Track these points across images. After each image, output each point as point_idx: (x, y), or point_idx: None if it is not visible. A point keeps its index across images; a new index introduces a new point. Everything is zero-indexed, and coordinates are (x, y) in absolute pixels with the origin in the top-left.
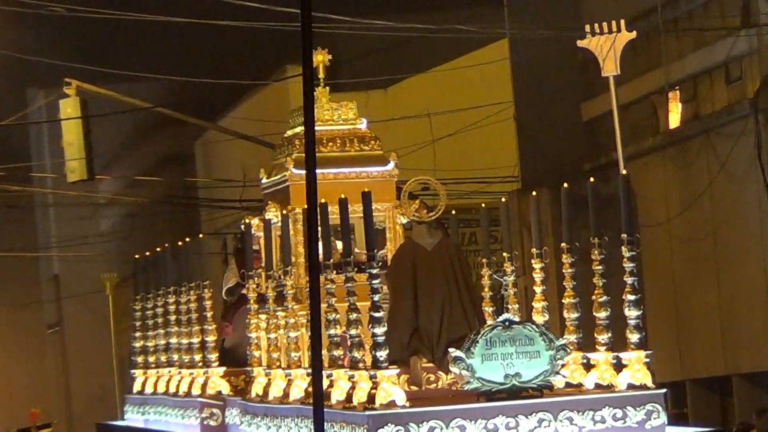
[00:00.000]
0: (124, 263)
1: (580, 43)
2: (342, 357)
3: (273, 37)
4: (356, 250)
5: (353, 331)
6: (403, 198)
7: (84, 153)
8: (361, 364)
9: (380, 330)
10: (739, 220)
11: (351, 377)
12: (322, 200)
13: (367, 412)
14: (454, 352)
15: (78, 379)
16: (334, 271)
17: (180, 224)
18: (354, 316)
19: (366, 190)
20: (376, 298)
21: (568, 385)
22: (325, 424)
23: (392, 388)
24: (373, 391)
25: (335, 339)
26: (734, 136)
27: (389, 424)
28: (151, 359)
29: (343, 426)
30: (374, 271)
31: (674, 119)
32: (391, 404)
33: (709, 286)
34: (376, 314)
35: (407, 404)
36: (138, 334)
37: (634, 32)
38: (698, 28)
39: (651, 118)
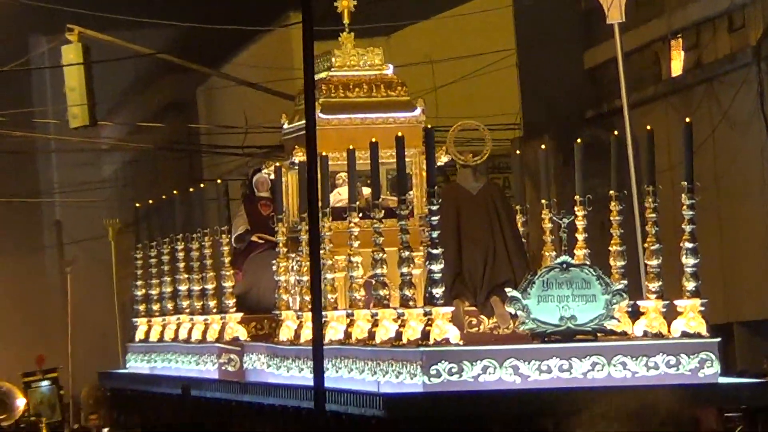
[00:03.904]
0: (127, 209)
1: None
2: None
3: None
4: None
5: (404, 270)
6: (449, 141)
7: (86, 99)
8: (411, 303)
9: (437, 267)
10: (741, 169)
11: (400, 315)
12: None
13: (422, 348)
14: (510, 292)
15: (79, 326)
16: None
17: (182, 171)
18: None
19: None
20: (434, 234)
21: (612, 332)
22: (370, 362)
23: (447, 325)
24: (427, 328)
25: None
26: (737, 84)
27: (443, 361)
28: (155, 307)
29: (392, 363)
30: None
31: (677, 67)
32: (446, 341)
33: (711, 234)
34: (434, 251)
35: (461, 342)
36: (140, 282)
37: None
38: None
39: (653, 66)
